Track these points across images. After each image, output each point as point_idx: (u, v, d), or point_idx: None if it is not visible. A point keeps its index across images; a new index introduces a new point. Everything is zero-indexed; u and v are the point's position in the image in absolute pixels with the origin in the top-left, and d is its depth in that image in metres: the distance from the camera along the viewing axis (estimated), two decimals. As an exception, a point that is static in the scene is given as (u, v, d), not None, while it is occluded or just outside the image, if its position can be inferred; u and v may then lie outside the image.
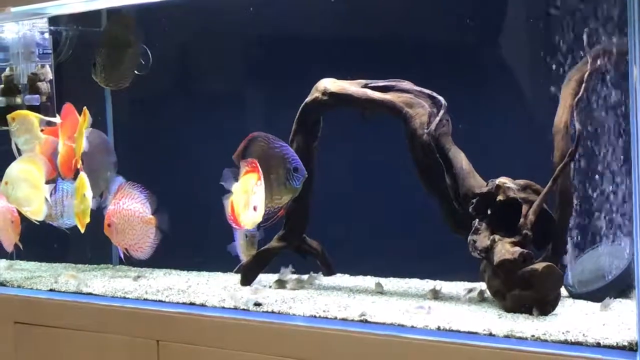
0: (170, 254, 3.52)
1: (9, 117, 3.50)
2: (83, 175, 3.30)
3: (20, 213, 3.59)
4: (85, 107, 3.34)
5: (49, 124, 3.52)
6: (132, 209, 3.35)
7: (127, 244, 3.38)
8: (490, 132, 3.05)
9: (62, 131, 3.47)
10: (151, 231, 3.36)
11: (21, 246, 3.65)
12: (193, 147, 3.72)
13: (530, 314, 2.48)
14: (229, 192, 2.90)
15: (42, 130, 3.51)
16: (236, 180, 2.85)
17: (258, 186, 2.79)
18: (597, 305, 2.58)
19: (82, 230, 3.34)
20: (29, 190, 3.44)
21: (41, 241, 3.90)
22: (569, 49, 2.68)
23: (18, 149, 3.53)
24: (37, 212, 3.47)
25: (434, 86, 2.86)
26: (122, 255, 3.40)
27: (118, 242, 3.40)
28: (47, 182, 3.46)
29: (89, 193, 3.28)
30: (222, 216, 2.94)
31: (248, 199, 2.79)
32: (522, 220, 2.58)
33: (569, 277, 2.73)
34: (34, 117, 3.49)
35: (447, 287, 2.96)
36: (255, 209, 2.79)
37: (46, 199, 3.44)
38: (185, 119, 3.77)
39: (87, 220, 3.31)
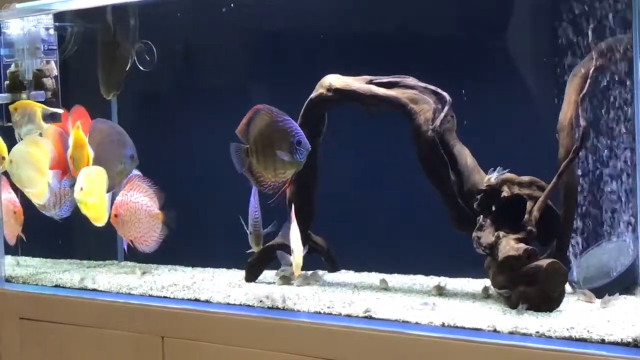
0: (176, 250, 3.52)
1: (11, 107, 3.49)
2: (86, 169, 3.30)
3: (22, 205, 3.58)
4: (78, 121, 3.34)
5: (53, 116, 3.51)
6: (139, 202, 3.34)
7: (133, 236, 3.37)
8: (495, 128, 3.04)
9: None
10: (157, 226, 3.35)
11: (24, 237, 3.64)
12: (198, 144, 3.72)
13: (535, 310, 2.48)
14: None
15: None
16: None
17: (291, 230, 2.87)
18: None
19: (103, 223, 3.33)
20: (33, 172, 3.42)
21: (46, 237, 3.90)
22: (574, 45, 2.67)
23: (21, 139, 3.52)
24: (39, 195, 3.44)
25: (439, 82, 2.86)
26: (125, 247, 3.40)
27: (124, 233, 3.39)
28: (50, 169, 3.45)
29: (77, 186, 3.28)
30: (227, 213, 2.94)
31: None
32: (526, 216, 2.58)
33: (573, 274, 2.72)
34: (37, 107, 3.48)
35: (452, 283, 2.96)
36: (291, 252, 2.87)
37: (48, 184, 3.42)
38: (191, 115, 3.77)
39: (88, 213, 3.32)
